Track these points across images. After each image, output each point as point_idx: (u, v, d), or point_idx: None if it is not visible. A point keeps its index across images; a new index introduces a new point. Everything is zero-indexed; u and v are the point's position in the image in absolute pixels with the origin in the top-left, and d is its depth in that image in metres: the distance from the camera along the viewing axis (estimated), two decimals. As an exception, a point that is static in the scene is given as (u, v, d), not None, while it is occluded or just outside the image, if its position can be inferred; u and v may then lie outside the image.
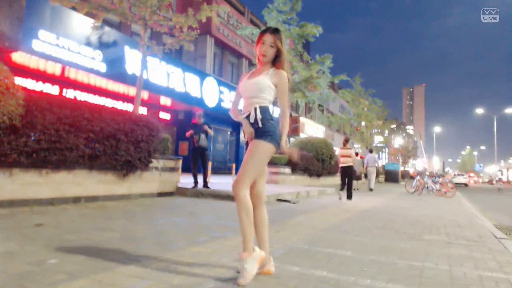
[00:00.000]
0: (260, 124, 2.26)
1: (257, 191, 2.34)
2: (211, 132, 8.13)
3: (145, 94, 14.35)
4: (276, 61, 2.36)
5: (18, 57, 9.32)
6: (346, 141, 9.23)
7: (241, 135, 20.23)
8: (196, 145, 7.95)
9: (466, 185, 36.04)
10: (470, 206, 9.15)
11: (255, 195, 2.33)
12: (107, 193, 5.98)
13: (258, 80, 2.31)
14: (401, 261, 2.85)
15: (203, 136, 7.96)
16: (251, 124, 2.30)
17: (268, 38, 2.31)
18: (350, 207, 7.10)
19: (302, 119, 26.24)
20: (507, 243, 3.87)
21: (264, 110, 2.29)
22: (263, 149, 2.23)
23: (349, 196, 8.60)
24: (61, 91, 10.96)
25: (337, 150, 11.98)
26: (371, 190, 14.14)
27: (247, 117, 2.32)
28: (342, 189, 8.95)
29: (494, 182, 44.24)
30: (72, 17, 10.16)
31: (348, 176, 8.79)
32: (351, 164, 8.85)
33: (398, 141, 59.27)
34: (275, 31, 2.33)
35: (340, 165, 8.96)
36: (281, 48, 2.32)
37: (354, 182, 13.06)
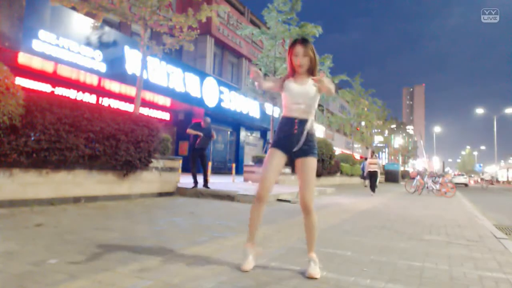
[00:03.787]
0: (310, 139, 2.43)
1: (304, 202, 2.45)
2: (214, 136, 8.36)
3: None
4: (311, 70, 2.45)
5: (18, 57, 9.32)
6: (373, 152, 12.65)
7: (241, 135, 20.19)
8: (197, 145, 8.02)
9: (466, 185, 36.07)
10: (470, 206, 9.16)
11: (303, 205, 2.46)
12: (107, 193, 5.98)
13: (314, 94, 2.40)
14: (401, 261, 2.85)
15: (206, 139, 8.14)
16: (300, 134, 2.39)
17: (300, 49, 2.38)
18: (350, 207, 7.10)
19: (302, 119, 26.15)
20: (507, 243, 3.87)
21: (314, 124, 2.49)
22: (316, 165, 2.50)
23: (373, 190, 11.87)
24: (61, 92, 10.96)
25: (338, 150, 13.46)
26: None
27: (297, 122, 2.40)
28: (371, 187, 12.03)
29: (479, 180, 49.33)
30: (72, 17, 10.16)
31: (374, 178, 12.05)
32: (376, 169, 12.08)
33: (398, 141, 59.12)
34: (304, 41, 2.40)
35: (369, 170, 12.20)
36: (313, 57, 2.41)
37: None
